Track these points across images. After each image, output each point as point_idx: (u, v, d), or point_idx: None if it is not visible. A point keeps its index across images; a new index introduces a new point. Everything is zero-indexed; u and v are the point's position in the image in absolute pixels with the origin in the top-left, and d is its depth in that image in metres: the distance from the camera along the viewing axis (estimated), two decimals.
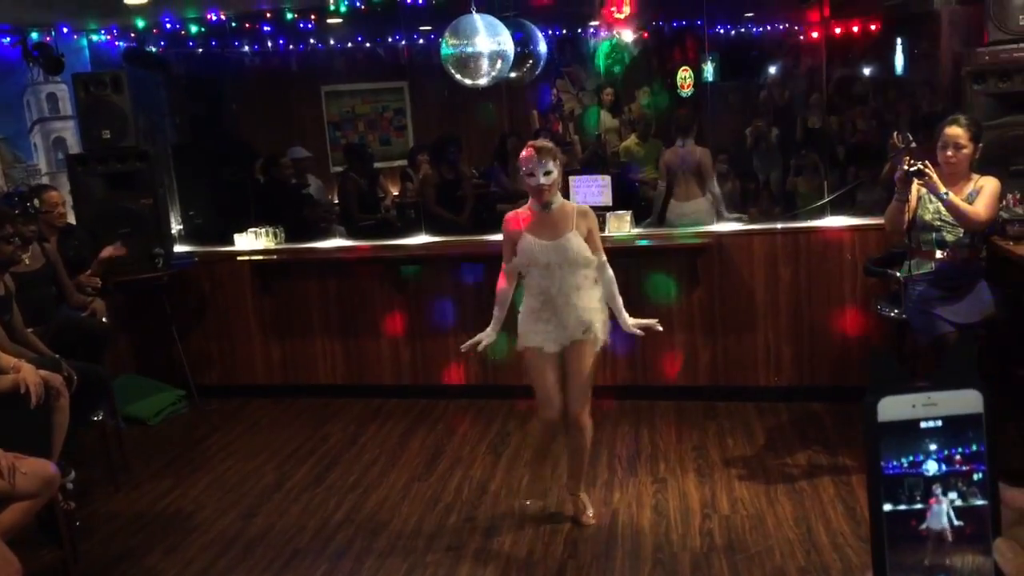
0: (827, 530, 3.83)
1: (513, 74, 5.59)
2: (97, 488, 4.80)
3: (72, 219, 5.83)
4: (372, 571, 3.76)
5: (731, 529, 3.91)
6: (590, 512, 4.08)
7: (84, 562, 3.87)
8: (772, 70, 8.58)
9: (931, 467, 0.60)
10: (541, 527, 4.06)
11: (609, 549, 3.81)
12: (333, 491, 4.63)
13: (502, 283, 3.96)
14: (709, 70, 8.17)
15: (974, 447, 0.60)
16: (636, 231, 5.63)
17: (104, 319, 5.28)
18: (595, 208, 5.53)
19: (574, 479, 4.12)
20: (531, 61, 5.84)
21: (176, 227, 6.61)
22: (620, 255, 5.53)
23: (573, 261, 3.75)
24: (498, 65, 4.97)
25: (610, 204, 5.62)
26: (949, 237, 4.09)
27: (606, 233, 5.51)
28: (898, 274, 4.35)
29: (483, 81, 5.04)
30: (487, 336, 3.95)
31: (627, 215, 5.60)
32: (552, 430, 4.00)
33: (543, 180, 3.74)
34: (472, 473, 4.74)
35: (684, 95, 8.04)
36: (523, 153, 3.81)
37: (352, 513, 4.35)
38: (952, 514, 0.60)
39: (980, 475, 0.60)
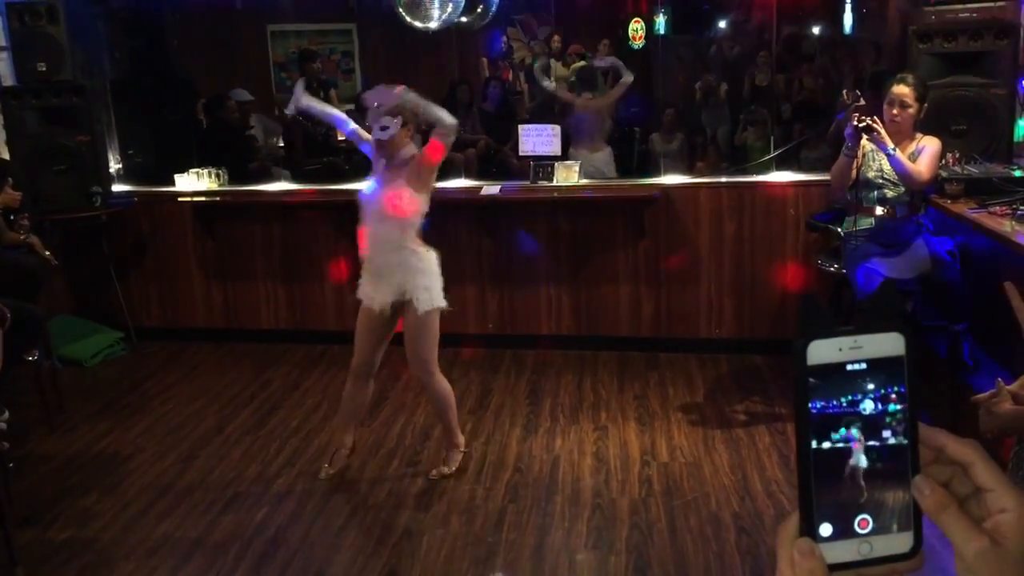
0: (761, 478, 3.93)
1: (464, 19, 5.51)
2: (31, 429, 4.71)
3: (5, 154, 5.64)
4: (313, 514, 3.77)
5: (669, 476, 3.99)
6: (444, 469, 4.03)
7: (18, 503, 3.80)
8: (723, 25, 8.57)
9: (854, 406, 0.61)
10: (483, 473, 4.09)
11: (549, 495, 3.86)
12: (274, 436, 4.61)
13: None
14: (661, 23, 8.14)
15: (895, 388, 0.61)
16: (584, 182, 5.64)
17: (48, 252, 5.12)
18: (544, 157, 5.58)
19: (444, 434, 4.14)
20: (482, 6, 5.76)
21: (115, 165, 6.42)
22: (567, 206, 5.57)
23: (387, 217, 3.67)
24: (449, 8, 4.89)
25: (559, 153, 5.64)
26: (890, 194, 4.17)
27: (555, 183, 5.51)
28: (839, 229, 4.42)
29: (433, 24, 4.95)
30: None
31: (575, 165, 5.60)
32: (353, 378, 3.98)
33: (380, 135, 3.63)
34: (415, 419, 4.75)
35: (635, 47, 8.02)
36: None
37: (294, 457, 4.34)
38: (868, 452, 0.61)
39: (900, 415, 0.61)
